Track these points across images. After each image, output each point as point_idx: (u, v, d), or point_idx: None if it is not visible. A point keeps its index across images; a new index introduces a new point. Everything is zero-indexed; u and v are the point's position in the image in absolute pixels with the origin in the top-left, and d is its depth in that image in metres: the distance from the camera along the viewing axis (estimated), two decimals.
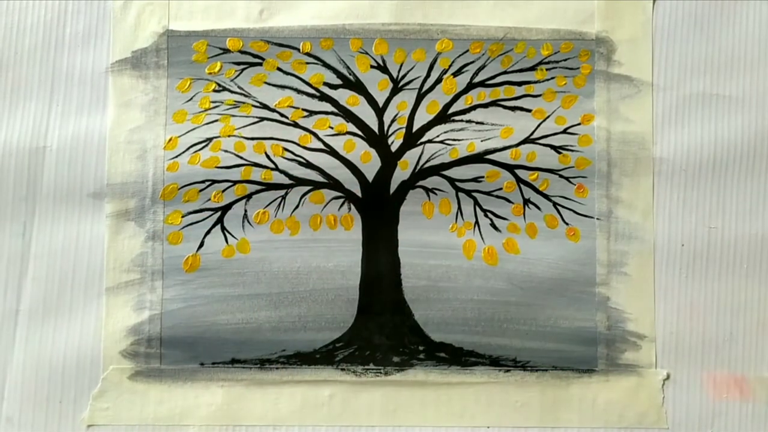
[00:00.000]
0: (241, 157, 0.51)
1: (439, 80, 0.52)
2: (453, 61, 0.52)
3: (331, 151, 0.51)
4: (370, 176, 0.51)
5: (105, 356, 0.50)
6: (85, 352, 0.50)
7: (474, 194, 0.51)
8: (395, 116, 0.51)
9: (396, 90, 0.51)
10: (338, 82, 0.52)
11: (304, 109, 0.51)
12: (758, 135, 0.51)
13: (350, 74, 0.52)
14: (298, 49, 0.51)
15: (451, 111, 0.52)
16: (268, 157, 0.51)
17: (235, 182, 0.51)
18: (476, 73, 0.52)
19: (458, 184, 0.51)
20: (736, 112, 0.51)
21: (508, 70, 0.52)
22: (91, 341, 0.50)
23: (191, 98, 0.51)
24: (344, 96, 0.51)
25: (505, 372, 0.50)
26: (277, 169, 0.51)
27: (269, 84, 0.51)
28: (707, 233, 0.50)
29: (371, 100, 0.51)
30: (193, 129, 0.51)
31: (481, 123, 0.51)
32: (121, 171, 0.51)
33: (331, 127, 0.51)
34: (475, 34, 0.52)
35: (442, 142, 0.51)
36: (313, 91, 0.51)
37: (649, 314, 0.50)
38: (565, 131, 0.51)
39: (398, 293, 0.51)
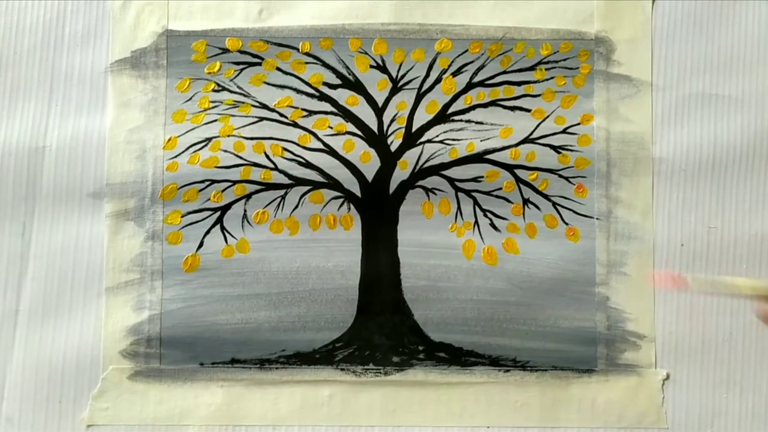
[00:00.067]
0: (241, 157, 0.51)
1: (438, 80, 0.52)
2: (452, 61, 0.52)
3: (331, 151, 0.51)
4: (369, 176, 0.51)
5: (105, 356, 0.50)
6: (85, 352, 0.50)
7: (473, 194, 0.51)
8: (395, 116, 0.51)
9: (395, 90, 0.51)
10: (337, 81, 0.52)
11: (303, 109, 0.51)
12: (758, 135, 0.51)
13: (350, 74, 0.52)
14: (298, 49, 0.51)
15: (450, 111, 0.52)
16: (267, 157, 0.51)
17: (234, 182, 0.51)
18: (476, 73, 0.52)
19: (458, 183, 0.51)
20: (735, 112, 0.51)
21: (507, 70, 0.52)
22: (91, 341, 0.50)
23: (190, 98, 0.51)
24: (344, 96, 0.51)
25: (504, 372, 0.50)
26: (276, 169, 0.51)
27: (268, 84, 0.51)
28: (707, 233, 0.50)
29: (371, 100, 0.51)
30: (193, 129, 0.51)
31: (481, 123, 0.51)
32: (120, 171, 0.51)
33: (331, 127, 0.51)
34: (475, 34, 0.52)
35: (441, 142, 0.51)
36: (312, 91, 0.51)
37: (649, 314, 0.50)
38: (564, 131, 0.51)
39: (398, 293, 0.51)
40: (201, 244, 0.51)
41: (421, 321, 0.50)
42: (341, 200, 0.51)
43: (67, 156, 0.51)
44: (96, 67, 0.51)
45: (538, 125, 0.51)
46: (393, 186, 0.51)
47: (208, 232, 0.51)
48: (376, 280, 0.51)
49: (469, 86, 0.52)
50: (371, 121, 0.51)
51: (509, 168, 0.51)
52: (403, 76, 0.51)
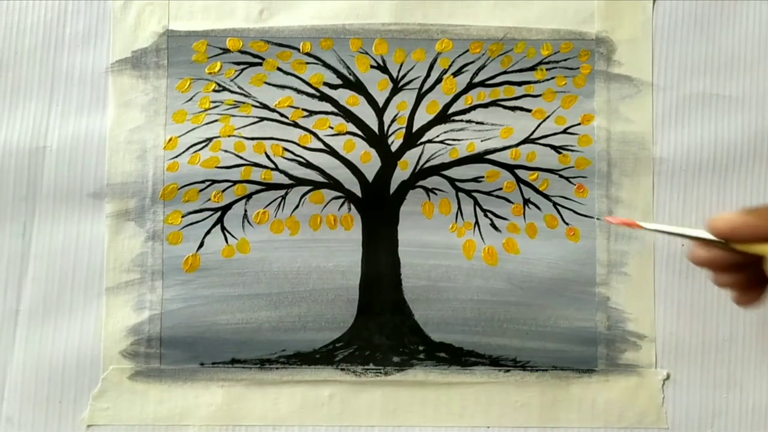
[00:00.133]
0: (241, 157, 0.51)
1: (439, 80, 0.52)
2: (453, 61, 0.52)
3: (331, 151, 0.51)
4: (370, 176, 0.51)
5: (105, 356, 0.50)
6: (85, 352, 0.50)
7: (474, 194, 0.51)
8: (395, 116, 0.51)
9: (396, 90, 0.51)
10: (338, 82, 0.52)
11: (304, 109, 0.51)
12: (758, 135, 0.51)
13: (350, 74, 0.52)
14: (298, 49, 0.51)
15: (451, 111, 0.52)
16: (268, 157, 0.51)
17: (235, 182, 0.51)
18: (476, 73, 0.52)
19: (458, 184, 0.51)
20: (736, 112, 0.51)
21: (508, 70, 0.52)
22: (91, 341, 0.50)
23: (191, 98, 0.51)
24: (344, 96, 0.51)
25: (505, 372, 0.50)
26: (277, 169, 0.51)
27: (269, 84, 0.51)
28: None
29: (371, 100, 0.51)
30: (193, 129, 0.51)
31: (481, 123, 0.51)
32: (121, 171, 0.51)
33: (331, 127, 0.51)
34: (475, 34, 0.52)
35: (442, 142, 0.51)
36: (313, 91, 0.51)
37: (649, 314, 0.50)
38: (565, 131, 0.51)
39: (398, 293, 0.51)
40: (201, 244, 0.51)
41: (422, 321, 0.51)
42: (342, 200, 0.51)
43: (68, 156, 0.51)
44: (97, 67, 0.51)
45: (539, 125, 0.51)
46: (393, 186, 0.51)
47: (208, 232, 0.51)
48: (377, 280, 0.51)
49: (470, 86, 0.52)
50: (372, 121, 0.51)
51: (510, 168, 0.51)
52: (403, 77, 0.52)
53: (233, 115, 0.51)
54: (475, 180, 0.51)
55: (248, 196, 0.51)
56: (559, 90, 0.51)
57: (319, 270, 0.51)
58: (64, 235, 0.50)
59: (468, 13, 0.52)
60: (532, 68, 0.52)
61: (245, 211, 0.51)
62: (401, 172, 0.51)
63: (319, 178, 0.51)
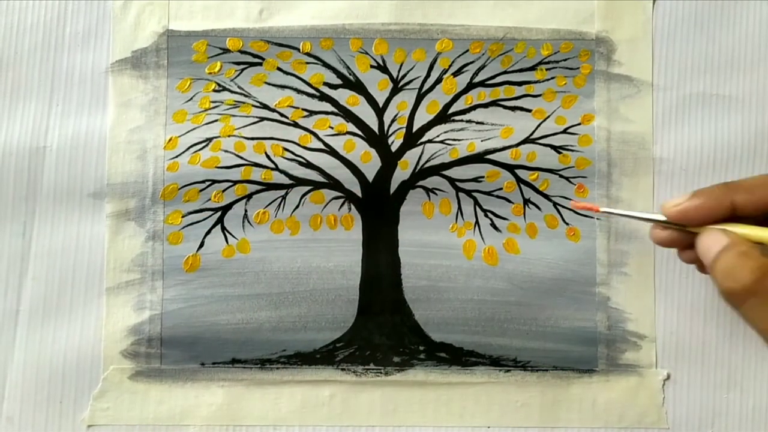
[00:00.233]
0: (241, 157, 0.51)
1: (439, 80, 0.52)
2: (453, 61, 0.52)
3: (331, 151, 0.51)
4: (370, 176, 0.51)
5: (105, 356, 0.50)
6: (86, 352, 0.50)
7: (474, 194, 0.51)
8: (395, 116, 0.51)
9: (396, 90, 0.51)
10: (338, 82, 0.52)
11: (304, 109, 0.51)
12: (758, 135, 0.51)
13: (350, 74, 0.52)
14: (298, 49, 0.51)
15: (451, 111, 0.52)
16: (268, 157, 0.51)
17: (235, 182, 0.51)
18: (476, 73, 0.52)
19: (458, 184, 0.51)
20: (736, 112, 0.51)
21: (508, 70, 0.52)
22: (92, 341, 0.50)
23: (191, 98, 0.51)
24: (344, 96, 0.51)
25: (505, 372, 0.50)
26: (277, 169, 0.51)
27: (269, 84, 0.51)
28: None
29: (371, 100, 0.51)
30: (193, 129, 0.51)
31: (481, 123, 0.51)
32: (121, 171, 0.51)
33: (331, 127, 0.51)
34: (475, 34, 0.52)
35: (442, 142, 0.51)
36: (313, 91, 0.51)
37: (649, 314, 0.50)
38: (565, 131, 0.51)
39: (398, 293, 0.51)
40: (202, 244, 0.51)
41: (422, 321, 0.51)
42: (342, 200, 0.51)
43: (68, 156, 0.51)
44: (97, 67, 0.51)
45: (539, 125, 0.51)
46: (394, 186, 0.51)
47: (208, 232, 0.51)
48: (377, 280, 0.51)
49: (470, 86, 0.52)
50: (372, 121, 0.51)
51: (510, 168, 0.51)
52: (403, 76, 0.52)
53: (233, 115, 0.51)
54: (476, 180, 0.51)
55: (248, 196, 0.51)
56: (559, 90, 0.51)
57: (320, 270, 0.51)
58: (64, 235, 0.50)
59: (468, 13, 0.52)
60: (532, 68, 0.52)
61: (245, 211, 0.51)
62: (401, 172, 0.51)
63: (320, 178, 0.51)
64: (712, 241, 0.38)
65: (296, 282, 0.50)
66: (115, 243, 0.50)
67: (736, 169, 0.51)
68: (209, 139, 0.51)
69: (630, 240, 0.50)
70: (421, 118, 0.51)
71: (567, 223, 0.51)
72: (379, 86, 0.51)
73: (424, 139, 0.51)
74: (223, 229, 0.51)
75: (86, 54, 0.51)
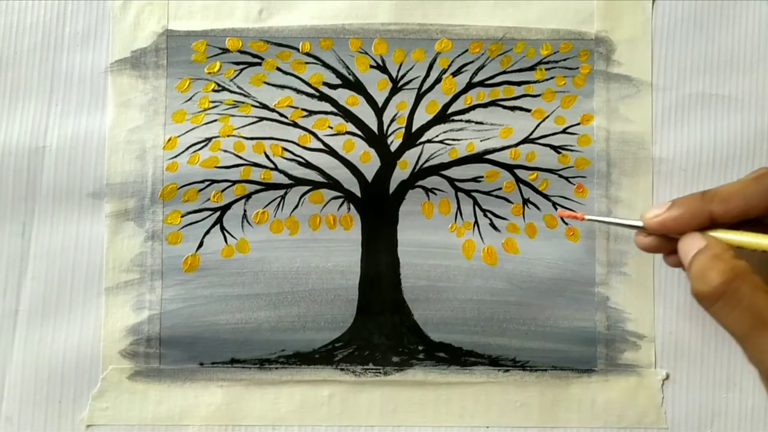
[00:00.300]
0: (241, 157, 0.51)
1: (438, 80, 0.52)
2: (452, 61, 0.52)
3: (331, 151, 0.51)
4: (369, 176, 0.51)
5: (104, 356, 0.50)
6: (85, 352, 0.50)
7: (473, 194, 0.51)
8: (394, 116, 0.51)
9: (395, 90, 0.51)
10: (338, 82, 0.52)
11: (303, 109, 0.51)
12: (758, 135, 0.51)
13: (350, 74, 0.52)
14: (298, 49, 0.51)
15: (450, 111, 0.52)
16: (267, 157, 0.51)
17: (234, 182, 0.51)
18: (475, 73, 0.52)
19: (457, 183, 0.51)
20: (736, 112, 0.51)
21: (507, 70, 0.52)
22: (91, 341, 0.50)
23: (190, 98, 0.51)
24: (343, 96, 0.51)
25: (504, 372, 0.50)
26: (276, 169, 0.51)
27: (268, 84, 0.51)
28: None
29: (371, 100, 0.51)
30: (193, 129, 0.51)
31: (481, 123, 0.51)
32: (120, 171, 0.51)
33: (331, 127, 0.51)
34: (475, 34, 0.52)
35: (441, 142, 0.51)
36: (312, 91, 0.51)
37: (649, 314, 0.50)
38: (564, 131, 0.51)
39: (397, 293, 0.51)
40: (201, 244, 0.51)
41: (421, 321, 0.51)
42: (341, 200, 0.51)
43: (67, 156, 0.51)
44: (96, 67, 0.51)
45: (538, 125, 0.51)
46: (393, 186, 0.51)
47: (207, 232, 0.51)
48: (376, 280, 0.51)
49: (469, 86, 0.52)
50: (371, 121, 0.51)
51: (509, 168, 0.51)
52: (403, 76, 0.52)
53: (233, 115, 0.51)
54: (475, 180, 0.51)
55: (248, 196, 0.51)
56: (558, 90, 0.51)
57: (319, 270, 0.51)
58: (64, 235, 0.50)
59: (467, 13, 0.52)
60: (532, 68, 0.52)
61: (245, 211, 0.51)
62: (401, 172, 0.51)
63: (319, 178, 0.51)
64: (688, 244, 0.39)
65: (295, 282, 0.50)
66: (114, 243, 0.50)
67: (735, 169, 0.51)
68: (208, 139, 0.51)
69: (629, 240, 0.50)
70: (421, 118, 0.51)
71: (566, 223, 0.51)
72: (378, 86, 0.51)
73: (423, 139, 0.51)
74: (222, 229, 0.51)
75: (86, 54, 0.51)
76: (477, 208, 0.51)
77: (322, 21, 0.51)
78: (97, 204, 0.50)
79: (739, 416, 0.50)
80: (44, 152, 0.51)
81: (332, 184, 0.51)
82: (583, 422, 0.50)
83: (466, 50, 0.52)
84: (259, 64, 0.51)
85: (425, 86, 0.51)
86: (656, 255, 0.50)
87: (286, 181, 0.51)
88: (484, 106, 0.52)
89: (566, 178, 0.51)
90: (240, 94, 0.51)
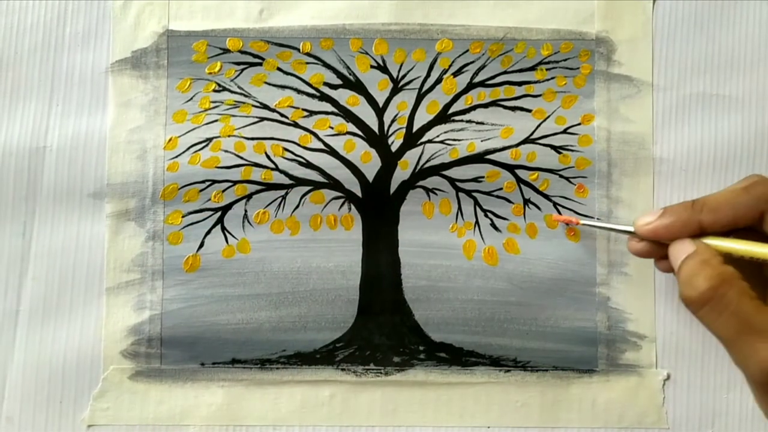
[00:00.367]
0: (241, 157, 0.51)
1: (439, 80, 0.52)
2: (453, 61, 0.52)
3: (332, 151, 0.51)
4: (370, 176, 0.51)
5: (105, 356, 0.50)
6: (86, 352, 0.50)
7: (474, 194, 0.51)
8: (395, 116, 0.51)
9: (396, 90, 0.51)
10: (338, 82, 0.52)
11: (304, 109, 0.51)
12: (758, 135, 0.51)
13: (350, 74, 0.52)
14: (298, 49, 0.51)
15: (451, 111, 0.52)
16: (268, 157, 0.51)
17: (235, 182, 0.51)
18: (476, 73, 0.52)
19: (458, 184, 0.51)
20: (736, 112, 0.51)
21: (508, 70, 0.52)
22: (92, 341, 0.50)
23: (191, 98, 0.51)
24: (344, 96, 0.51)
25: (505, 372, 0.50)
26: (277, 169, 0.51)
27: (269, 84, 0.51)
28: None
29: (371, 100, 0.51)
30: (193, 129, 0.51)
31: (482, 123, 0.51)
32: (121, 171, 0.51)
33: (332, 127, 0.51)
34: (475, 34, 0.52)
35: (442, 142, 0.51)
36: (313, 91, 0.51)
37: (650, 314, 0.50)
38: (565, 131, 0.51)
39: (398, 293, 0.51)
40: (202, 245, 0.51)
41: (422, 321, 0.51)
42: (342, 200, 0.51)
43: (68, 156, 0.51)
44: (96, 67, 0.51)
45: (539, 125, 0.51)
46: (394, 186, 0.51)
47: (208, 232, 0.51)
48: (377, 280, 0.51)
49: (470, 86, 0.52)
50: (372, 122, 0.51)
51: (510, 168, 0.51)
52: (403, 77, 0.52)
53: (233, 115, 0.51)
54: (476, 180, 0.51)
55: (248, 196, 0.51)
56: (559, 90, 0.51)
57: (320, 270, 0.51)
58: (64, 235, 0.50)
59: (468, 13, 0.52)
60: (532, 68, 0.52)
61: (245, 211, 0.51)
62: (401, 172, 0.51)
63: (320, 178, 0.51)
64: (678, 250, 0.39)
65: (296, 282, 0.50)
66: (115, 243, 0.50)
67: (736, 169, 0.51)
68: (209, 139, 0.51)
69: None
70: (421, 118, 0.51)
71: (566, 224, 0.51)
72: (379, 86, 0.51)
73: (424, 139, 0.51)
74: (223, 229, 0.51)
75: (86, 54, 0.51)
76: (478, 209, 0.51)
77: (322, 21, 0.51)
78: (98, 204, 0.50)
79: (739, 416, 0.50)
80: (45, 152, 0.51)
81: (333, 184, 0.51)
82: (583, 422, 0.50)
83: (467, 50, 0.52)
84: (260, 64, 0.51)
85: (426, 86, 0.52)
86: None
87: (286, 181, 0.51)
88: (485, 106, 0.52)
89: (567, 179, 0.51)
90: (241, 94, 0.51)
